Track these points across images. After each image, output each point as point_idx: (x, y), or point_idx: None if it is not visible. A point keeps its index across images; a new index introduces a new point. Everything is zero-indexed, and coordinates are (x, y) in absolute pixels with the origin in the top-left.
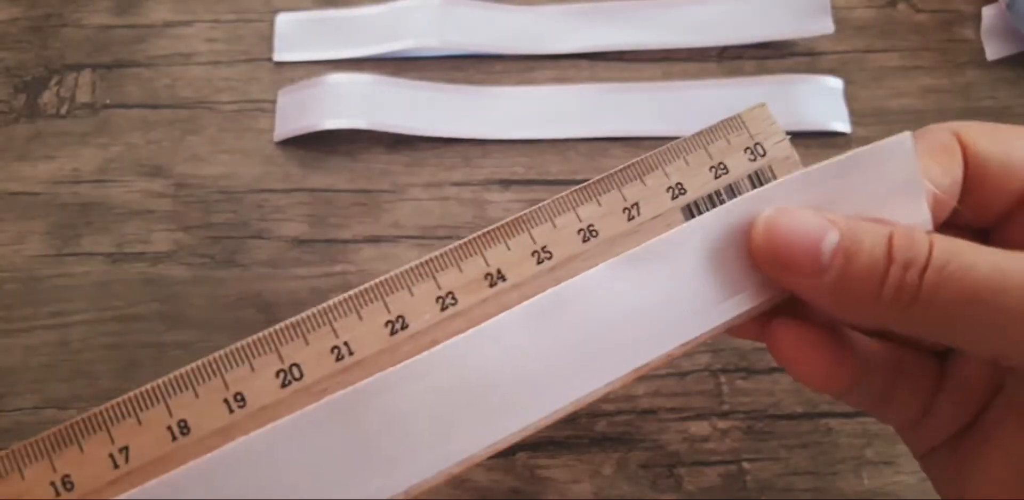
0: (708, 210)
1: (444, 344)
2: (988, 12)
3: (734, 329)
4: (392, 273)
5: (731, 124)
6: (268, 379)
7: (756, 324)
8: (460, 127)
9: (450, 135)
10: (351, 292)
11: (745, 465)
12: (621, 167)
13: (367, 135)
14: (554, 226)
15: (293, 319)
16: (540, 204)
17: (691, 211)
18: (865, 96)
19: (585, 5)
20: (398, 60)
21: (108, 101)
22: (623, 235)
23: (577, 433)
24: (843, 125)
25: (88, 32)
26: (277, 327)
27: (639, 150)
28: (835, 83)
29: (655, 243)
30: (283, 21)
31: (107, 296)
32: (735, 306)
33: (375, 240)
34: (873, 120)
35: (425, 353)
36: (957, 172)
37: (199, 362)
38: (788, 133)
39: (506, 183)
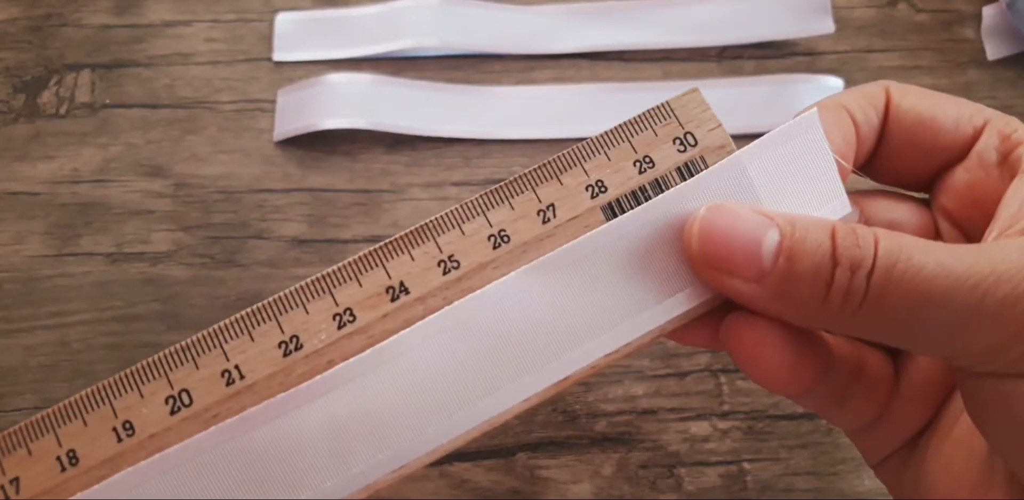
0: (631, 208)
1: (339, 366)
2: (988, 12)
3: (681, 336)
4: (286, 290)
5: (658, 113)
6: (157, 406)
7: (706, 328)
8: (460, 127)
9: (450, 135)
10: (243, 312)
11: (745, 465)
12: (535, 166)
13: (367, 135)
14: (462, 233)
15: (183, 342)
16: (447, 209)
17: (613, 210)
18: None
19: (585, 5)
20: (397, 60)
21: (108, 101)
22: (537, 239)
23: (577, 433)
24: None
25: (88, 32)
26: (166, 351)
27: None
28: (835, 83)
29: (572, 247)
30: (282, 21)
31: (107, 296)
32: (666, 311)
33: (375, 240)
34: None
35: (318, 377)
36: (873, 118)
37: (88, 389)
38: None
39: None
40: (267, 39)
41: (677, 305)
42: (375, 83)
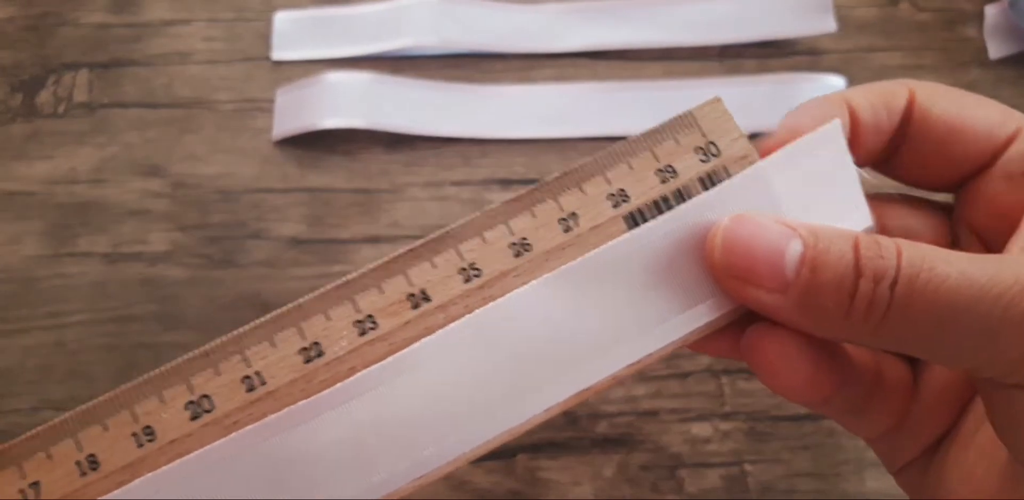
0: (654, 218)
1: (361, 373)
2: (990, 11)
3: (700, 345)
4: (308, 296)
5: (681, 122)
6: (178, 411)
7: (726, 338)
8: (459, 126)
9: (449, 134)
10: (264, 318)
11: (747, 467)
12: (557, 174)
13: (366, 134)
14: (483, 241)
15: (204, 347)
16: (468, 217)
17: (635, 220)
18: None
19: (586, 3)
20: (397, 59)
21: (105, 100)
22: (559, 248)
23: (578, 434)
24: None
25: (85, 31)
26: (187, 356)
27: None
28: (838, 82)
29: (594, 256)
30: (281, 19)
31: (104, 297)
32: (688, 322)
33: (374, 240)
34: None
35: (340, 384)
36: (884, 120)
37: (109, 394)
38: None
39: (506, 183)
40: (266, 38)
41: (699, 316)
42: (374, 82)
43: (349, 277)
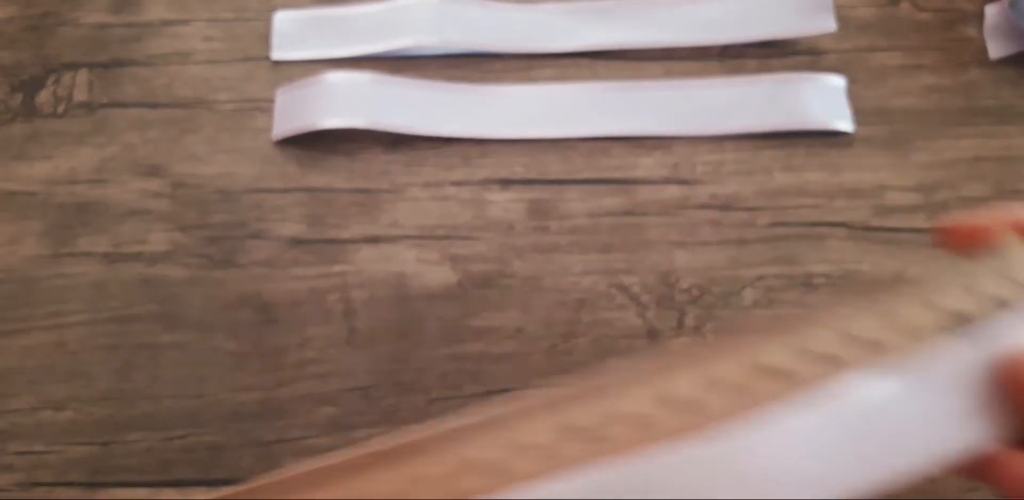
0: (967, 333)
1: (717, 426)
2: (991, 11)
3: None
4: (662, 360)
5: (992, 253)
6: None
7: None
8: (459, 126)
9: (449, 134)
10: (627, 377)
11: None
12: (882, 283)
13: (366, 134)
14: (822, 330)
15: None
16: (803, 311)
17: (951, 331)
18: (868, 95)
19: (586, 3)
20: (397, 59)
21: (105, 100)
22: (884, 347)
23: None
24: (846, 124)
25: (85, 31)
26: (554, 390)
27: (640, 149)
28: (838, 82)
29: (915, 356)
30: (281, 19)
31: (104, 297)
32: (976, 437)
33: (374, 240)
34: (876, 119)
35: (696, 431)
36: None
37: (469, 416)
38: (792, 132)
39: (506, 182)
40: (265, 38)
41: (989, 433)
42: (374, 82)
43: (698, 349)
